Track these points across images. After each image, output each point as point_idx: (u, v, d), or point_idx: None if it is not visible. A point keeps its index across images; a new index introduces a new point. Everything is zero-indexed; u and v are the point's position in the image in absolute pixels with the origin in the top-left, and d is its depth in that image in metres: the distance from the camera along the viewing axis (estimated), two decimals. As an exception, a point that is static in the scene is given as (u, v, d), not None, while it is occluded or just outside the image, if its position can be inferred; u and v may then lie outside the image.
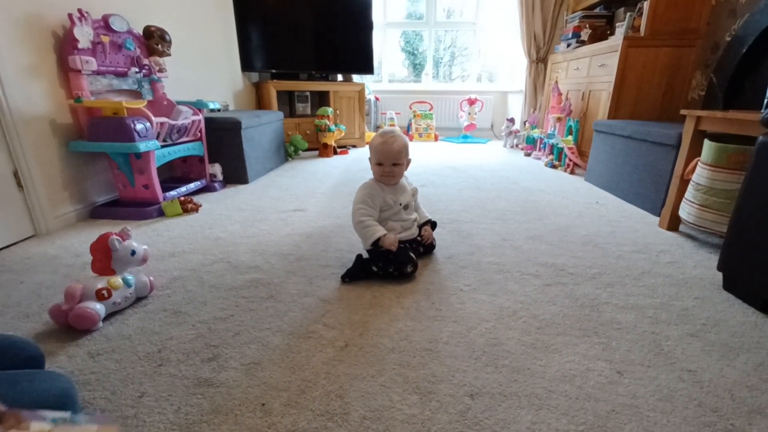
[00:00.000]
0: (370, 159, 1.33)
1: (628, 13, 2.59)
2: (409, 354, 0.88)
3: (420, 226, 1.40)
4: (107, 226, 1.67)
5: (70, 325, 0.93)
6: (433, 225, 1.45)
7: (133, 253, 1.06)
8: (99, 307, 0.96)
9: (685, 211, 1.51)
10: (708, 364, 0.85)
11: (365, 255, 1.30)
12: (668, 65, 2.49)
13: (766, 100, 1.49)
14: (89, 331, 0.94)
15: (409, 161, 1.32)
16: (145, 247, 1.12)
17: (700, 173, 1.44)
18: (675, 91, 2.54)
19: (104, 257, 1.02)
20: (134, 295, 1.07)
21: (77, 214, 1.74)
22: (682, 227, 1.68)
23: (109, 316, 1.00)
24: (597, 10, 3.13)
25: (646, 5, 2.45)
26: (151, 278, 1.13)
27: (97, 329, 0.95)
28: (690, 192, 1.50)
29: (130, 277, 1.06)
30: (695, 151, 1.53)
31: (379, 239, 1.22)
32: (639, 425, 0.69)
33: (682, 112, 1.59)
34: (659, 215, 1.76)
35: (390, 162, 1.26)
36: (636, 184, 2.04)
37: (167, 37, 2.08)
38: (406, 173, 1.38)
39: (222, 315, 1.04)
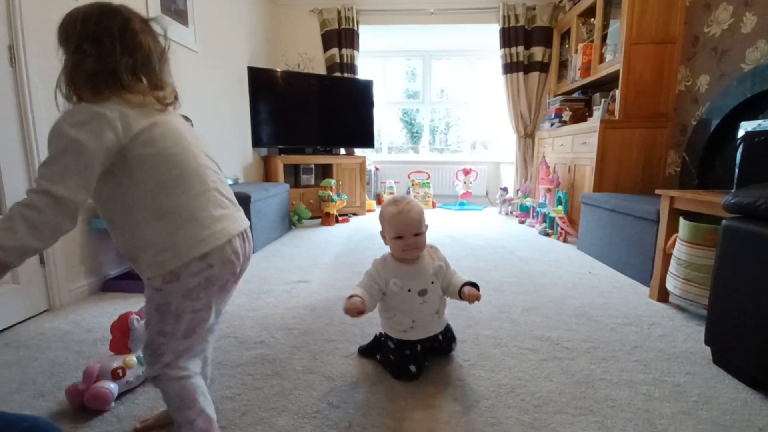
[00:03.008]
0: (382, 233, 1.19)
1: (603, 99, 2.90)
2: (412, 434, 0.91)
3: (460, 289, 1.14)
4: (117, 300, 1.73)
5: (84, 405, 0.97)
6: (474, 286, 1.15)
7: (149, 331, 1.12)
8: (113, 387, 1.00)
9: (671, 284, 1.59)
10: (700, 444, 0.88)
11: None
12: (644, 144, 2.72)
13: (735, 183, 1.65)
14: (102, 411, 0.97)
15: (426, 228, 1.16)
16: (160, 324, 1.19)
17: (680, 249, 1.55)
18: (653, 166, 2.75)
19: (123, 336, 1.08)
20: (145, 373, 1.11)
21: (89, 288, 1.80)
22: (671, 298, 1.74)
23: (120, 396, 1.04)
24: (575, 95, 3.48)
25: (618, 93, 2.75)
26: (162, 355, 1.18)
27: (109, 409, 0.98)
28: (673, 266, 1.59)
29: (143, 356, 1.11)
30: (673, 226, 1.65)
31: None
32: None
33: (657, 191, 1.74)
34: (649, 285, 1.84)
35: (411, 233, 1.11)
36: (624, 255, 2.14)
37: (190, 123, 2.31)
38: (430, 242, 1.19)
39: (229, 394, 1.07)
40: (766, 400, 1.04)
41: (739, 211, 1.14)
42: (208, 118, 2.83)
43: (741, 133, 1.88)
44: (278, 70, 3.74)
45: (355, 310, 1.01)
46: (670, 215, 1.67)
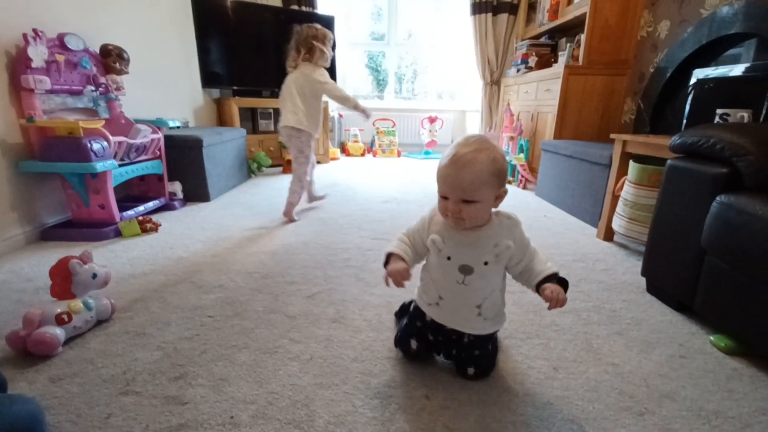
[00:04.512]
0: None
1: (568, 44, 2.87)
2: (371, 363, 0.95)
3: (540, 282, 0.82)
4: (59, 248, 1.62)
5: (28, 351, 0.92)
6: (562, 283, 0.81)
7: (94, 276, 1.06)
8: (59, 332, 0.95)
9: (617, 223, 1.70)
10: (629, 358, 0.99)
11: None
12: (604, 91, 2.77)
13: (683, 127, 1.72)
14: (49, 356, 0.93)
15: (503, 193, 0.79)
16: (107, 268, 1.12)
17: (627, 190, 1.63)
18: (611, 115, 2.82)
19: (64, 281, 1.01)
20: (95, 318, 1.06)
21: (26, 237, 1.67)
22: (615, 237, 1.87)
23: (69, 341, 0.99)
24: (542, 39, 3.43)
25: (583, 38, 2.73)
26: (112, 300, 1.13)
27: (56, 354, 0.94)
28: (620, 206, 1.69)
29: (90, 301, 1.05)
30: (624, 170, 1.72)
31: (388, 259, 0.85)
32: (569, 413, 0.80)
33: (612, 136, 1.80)
34: (597, 226, 1.96)
35: (458, 196, 0.76)
36: (578, 199, 2.25)
37: (125, 56, 2.06)
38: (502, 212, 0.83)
39: (187, 335, 1.05)
40: (688, 321, 1.17)
41: (683, 151, 1.19)
42: (146, 50, 2.54)
43: (693, 80, 1.94)
44: None
45: (399, 276, 0.78)
46: (622, 159, 1.74)
